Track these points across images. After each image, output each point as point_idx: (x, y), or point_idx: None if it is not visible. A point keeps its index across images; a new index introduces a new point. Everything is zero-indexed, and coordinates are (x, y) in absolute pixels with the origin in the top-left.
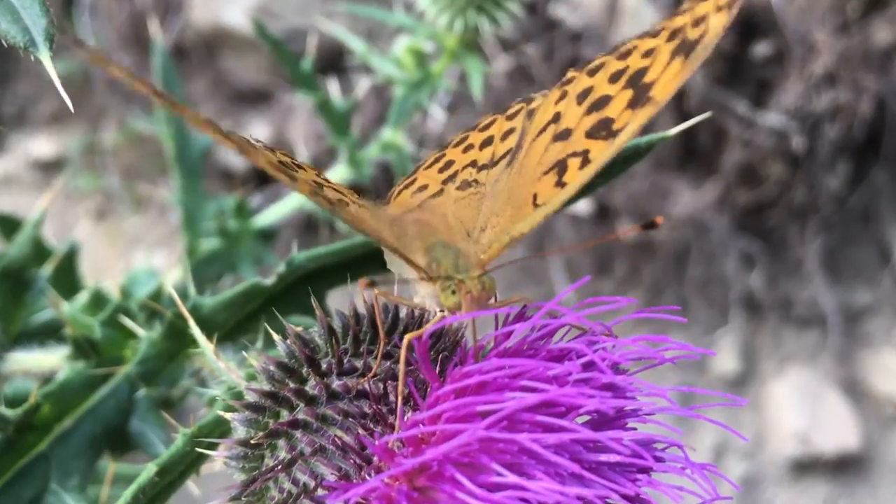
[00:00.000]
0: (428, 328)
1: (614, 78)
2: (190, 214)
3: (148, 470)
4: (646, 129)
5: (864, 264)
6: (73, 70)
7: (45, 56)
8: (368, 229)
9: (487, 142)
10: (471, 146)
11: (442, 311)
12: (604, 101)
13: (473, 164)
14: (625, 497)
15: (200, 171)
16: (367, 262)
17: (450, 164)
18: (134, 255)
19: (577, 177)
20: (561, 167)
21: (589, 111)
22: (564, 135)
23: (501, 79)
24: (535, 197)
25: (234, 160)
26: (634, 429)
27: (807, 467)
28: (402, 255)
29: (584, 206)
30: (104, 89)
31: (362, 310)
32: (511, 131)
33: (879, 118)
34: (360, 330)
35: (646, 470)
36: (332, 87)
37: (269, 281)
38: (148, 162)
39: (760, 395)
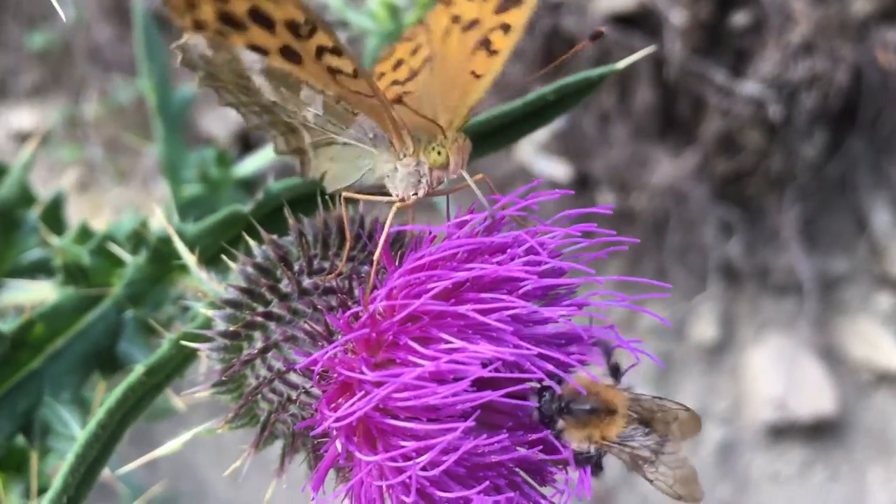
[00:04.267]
0: (390, 218)
1: None
2: (172, 163)
3: (136, 371)
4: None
5: (840, 232)
6: (53, 41)
7: None
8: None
9: (399, 63)
10: (383, 74)
11: (407, 197)
12: None
13: (395, 83)
14: (556, 364)
15: (181, 122)
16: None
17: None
18: None
19: (504, 42)
20: (485, 43)
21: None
22: (473, 24)
23: None
24: (473, 73)
25: (216, 127)
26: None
27: (783, 432)
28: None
29: (563, 175)
30: (85, 60)
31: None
32: (417, 48)
33: (856, 87)
34: (329, 235)
35: (581, 344)
36: None
37: (248, 208)
38: (130, 133)
39: (738, 362)
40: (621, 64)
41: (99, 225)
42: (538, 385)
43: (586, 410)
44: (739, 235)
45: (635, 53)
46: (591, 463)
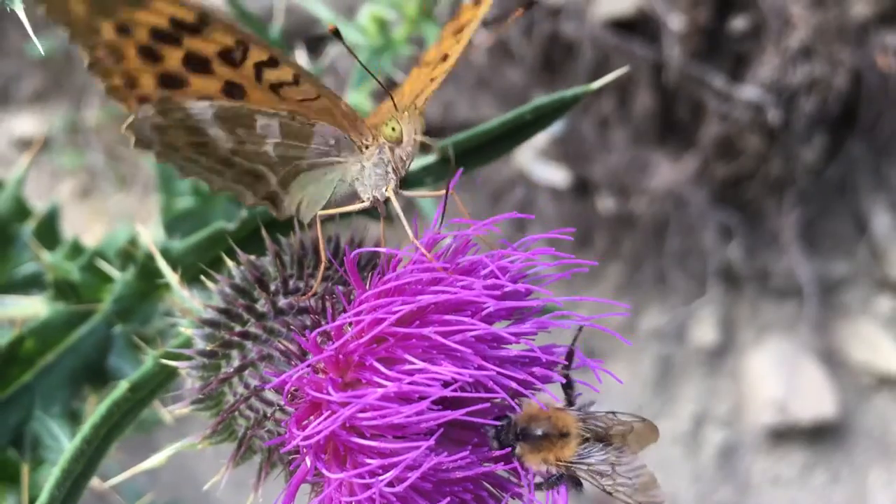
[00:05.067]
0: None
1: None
2: (166, 174)
3: (121, 387)
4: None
5: (840, 235)
6: (54, 48)
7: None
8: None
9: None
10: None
11: (376, 200)
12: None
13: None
14: (520, 383)
15: None
16: None
17: None
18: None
19: (456, 49)
20: (443, 57)
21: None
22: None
23: (481, 55)
24: (431, 79)
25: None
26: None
27: (784, 435)
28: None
29: (563, 180)
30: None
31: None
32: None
33: (855, 91)
34: (305, 256)
35: (542, 364)
36: (300, 54)
37: (233, 226)
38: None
39: (738, 365)
40: (595, 85)
41: (99, 232)
42: (502, 402)
43: (538, 436)
44: (739, 239)
45: (632, 60)
46: (558, 482)
